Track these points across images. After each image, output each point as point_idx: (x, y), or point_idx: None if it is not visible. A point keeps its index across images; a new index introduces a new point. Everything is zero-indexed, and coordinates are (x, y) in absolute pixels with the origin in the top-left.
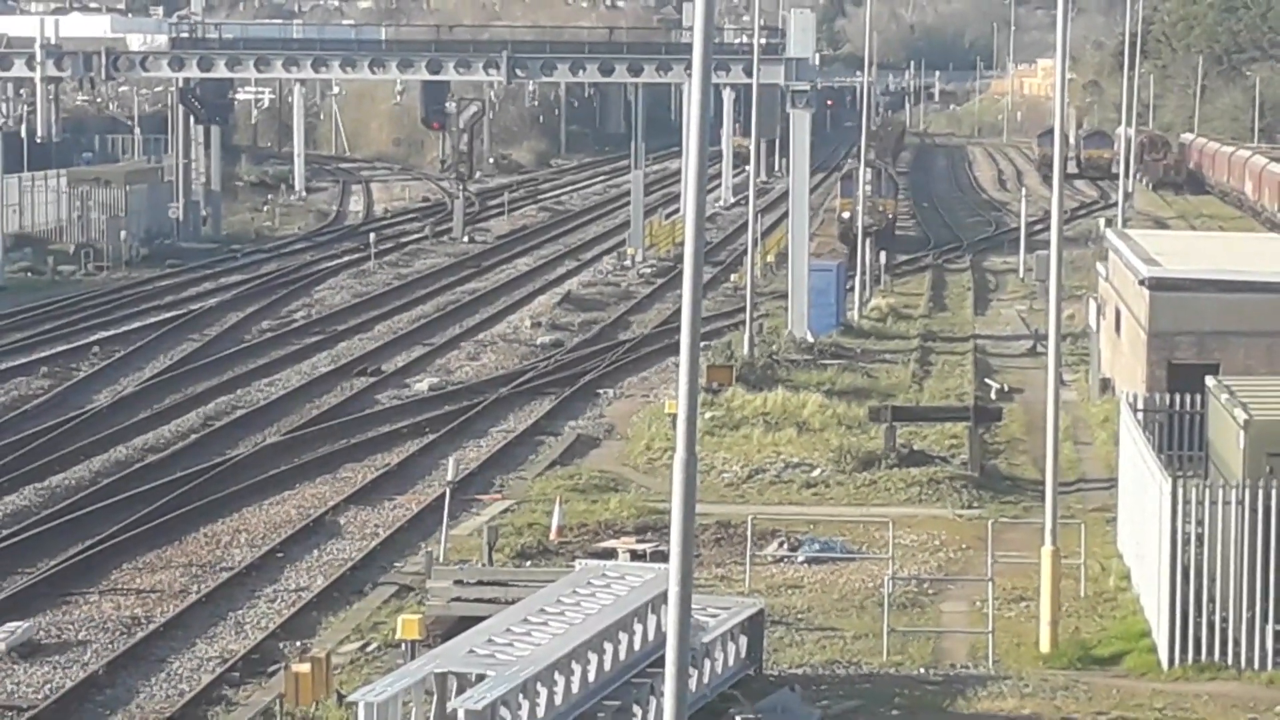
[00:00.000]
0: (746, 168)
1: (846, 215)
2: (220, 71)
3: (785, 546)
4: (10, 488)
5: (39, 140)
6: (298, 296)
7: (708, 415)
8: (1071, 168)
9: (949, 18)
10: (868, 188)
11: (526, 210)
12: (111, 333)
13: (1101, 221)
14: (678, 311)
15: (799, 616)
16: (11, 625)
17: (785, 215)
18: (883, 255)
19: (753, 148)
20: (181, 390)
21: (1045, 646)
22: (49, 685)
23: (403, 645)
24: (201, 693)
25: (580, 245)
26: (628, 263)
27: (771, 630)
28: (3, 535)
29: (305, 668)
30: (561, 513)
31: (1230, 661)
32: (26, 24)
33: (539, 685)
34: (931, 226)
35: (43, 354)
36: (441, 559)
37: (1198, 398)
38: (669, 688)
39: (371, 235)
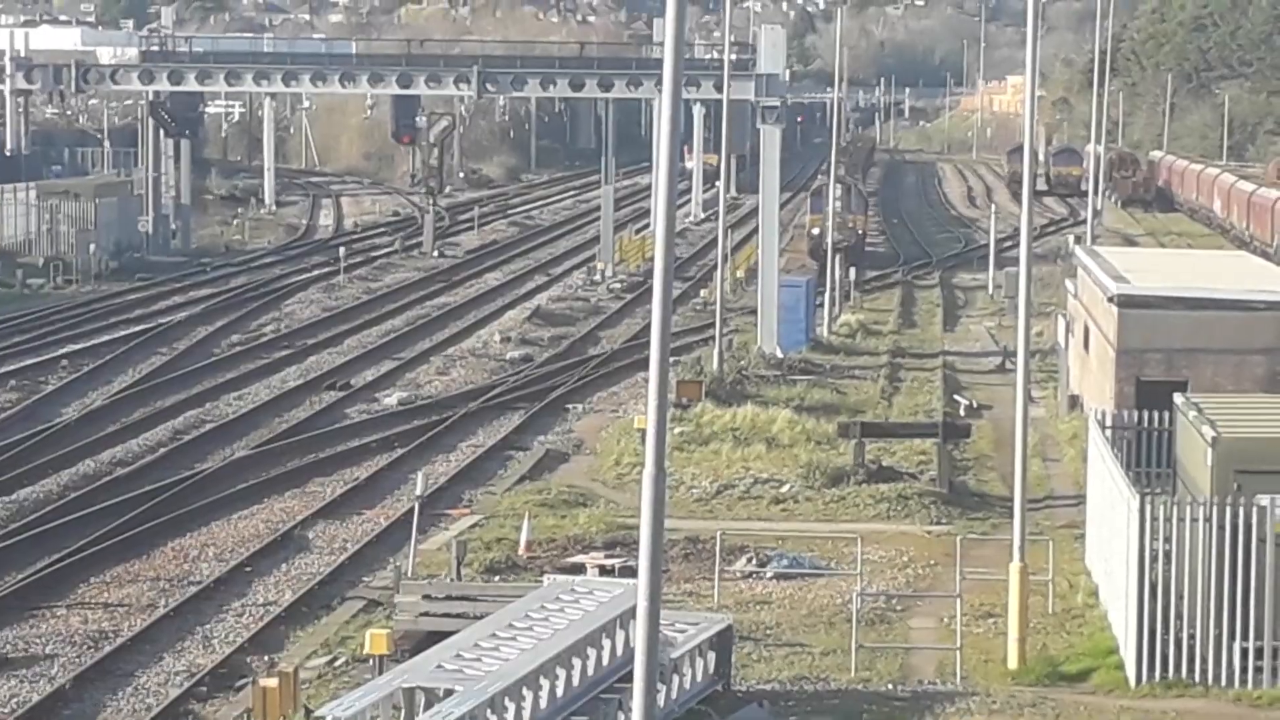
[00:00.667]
0: (717, 183)
1: (816, 231)
2: (190, 85)
3: (754, 562)
4: None
5: (8, 153)
6: (267, 310)
7: (677, 430)
8: (1041, 184)
9: (919, 34)
10: (837, 204)
11: (496, 225)
12: (80, 346)
13: (1070, 238)
14: (647, 327)
15: (767, 632)
16: None
17: (755, 231)
18: (852, 271)
19: (722, 163)
20: (150, 404)
21: (1013, 663)
22: (15, 699)
23: (370, 660)
24: (169, 707)
25: (550, 260)
26: (597, 278)
27: (740, 646)
28: None
29: (273, 682)
30: (530, 528)
31: (1198, 679)
32: None
33: (507, 700)
34: (901, 243)
35: (11, 367)
36: (410, 574)
37: (1166, 415)
38: (637, 703)
39: (341, 249)
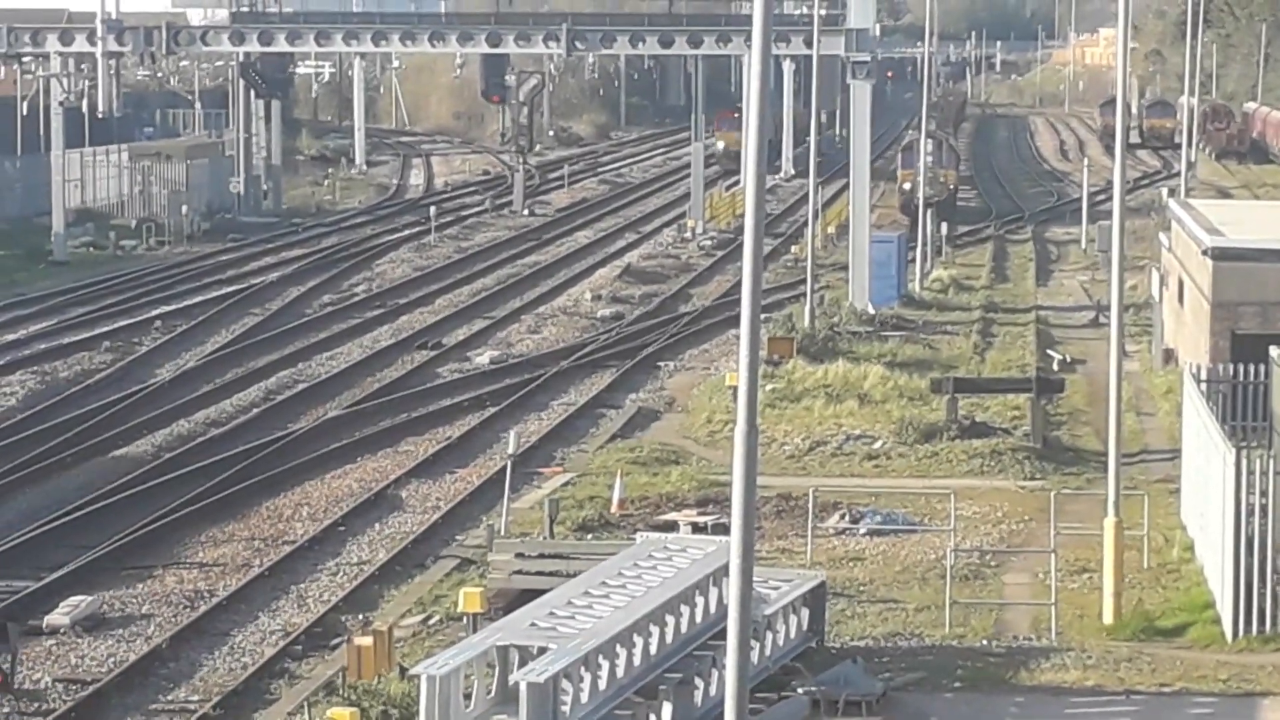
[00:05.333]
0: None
1: (908, 186)
2: (280, 46)
3: (847, 519)
4: (74, 462)
5: (100, 115)
6: (358, 270)
7: (769, 387)
8: (1134, 137)
9: None
10: (929, 159)
11: (586, 183)
12: (173, 307)
13: (1164, 191)
14: (738, 284)
15: (861, 589)
16: (76, 599)
17: (846, 187)
18: (944, 226)
19: (813, 120)
20: (243, 364)
21: (1108, 618)
22: (113, 659)
23: (464, 618)
24: (264, 666)
25: (640, 218)
26: (688, 235)
27: (833, 602)
28: (67, 509)
29: (367, 641)
30: (622, 485)
31: None
32: None
33: (600, 658)
34: (993, 197)
35: (105, 329)
36: (503, 532)
37: (1262, 368)
38: (730, 660)
39: (432, 209)
